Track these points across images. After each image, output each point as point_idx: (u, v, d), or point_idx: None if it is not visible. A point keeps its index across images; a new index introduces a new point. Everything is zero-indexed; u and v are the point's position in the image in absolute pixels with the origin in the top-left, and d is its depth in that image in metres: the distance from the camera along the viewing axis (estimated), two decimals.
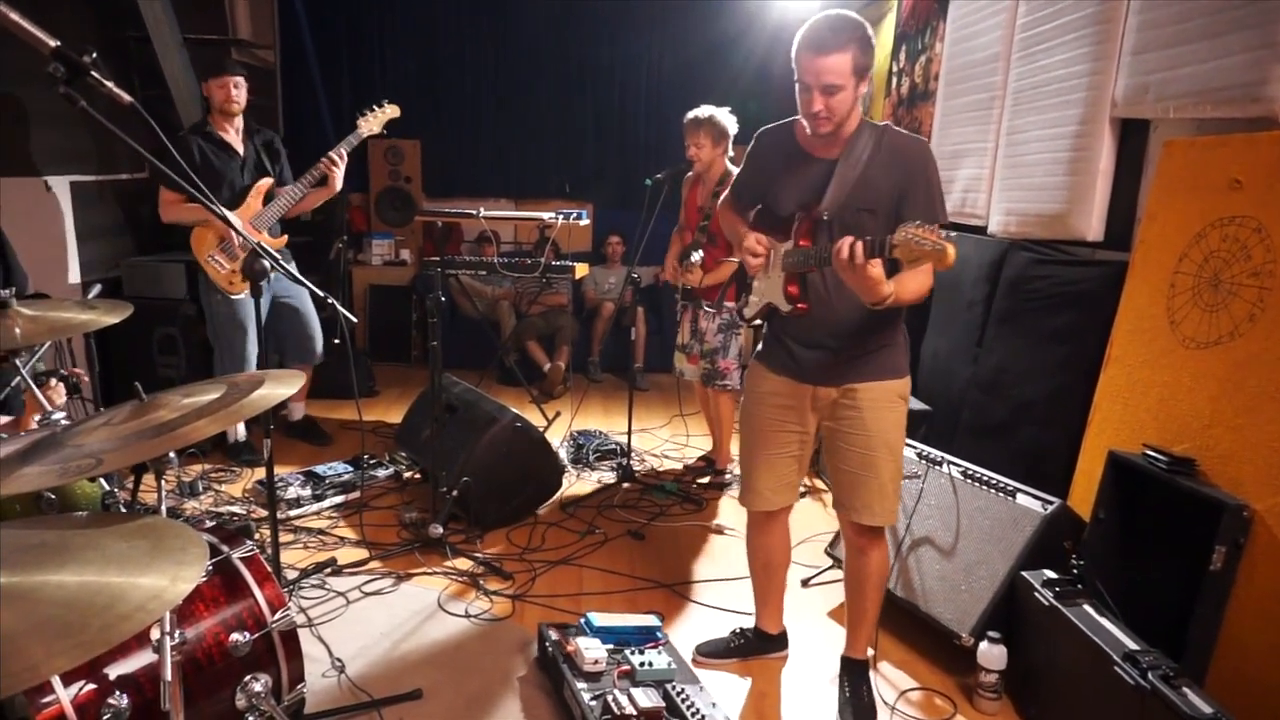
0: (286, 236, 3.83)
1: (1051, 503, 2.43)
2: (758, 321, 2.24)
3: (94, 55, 1.52)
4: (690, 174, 3.79)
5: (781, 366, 2.19)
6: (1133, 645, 1.95)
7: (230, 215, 3.47)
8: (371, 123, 3.71)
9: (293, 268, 2.28)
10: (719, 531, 3.47)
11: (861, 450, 2.12)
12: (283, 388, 1.60)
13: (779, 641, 2.56)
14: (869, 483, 2.13)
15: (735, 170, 3.63)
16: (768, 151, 2.21)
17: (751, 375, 2.29)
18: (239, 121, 3.71)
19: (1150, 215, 2.46)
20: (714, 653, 2.51)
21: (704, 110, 3.60)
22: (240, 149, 3.70)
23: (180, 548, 1.06)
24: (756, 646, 2.53)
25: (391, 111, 3.74)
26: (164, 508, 1.52)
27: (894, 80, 4.51)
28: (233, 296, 3.64)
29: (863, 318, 2.01)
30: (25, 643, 0.86)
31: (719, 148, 3.62)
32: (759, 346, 2.29)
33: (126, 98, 1.59)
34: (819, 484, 3.92)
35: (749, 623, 2.58)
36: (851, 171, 2.01)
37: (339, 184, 3.72)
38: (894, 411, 2.12)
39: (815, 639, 2.67)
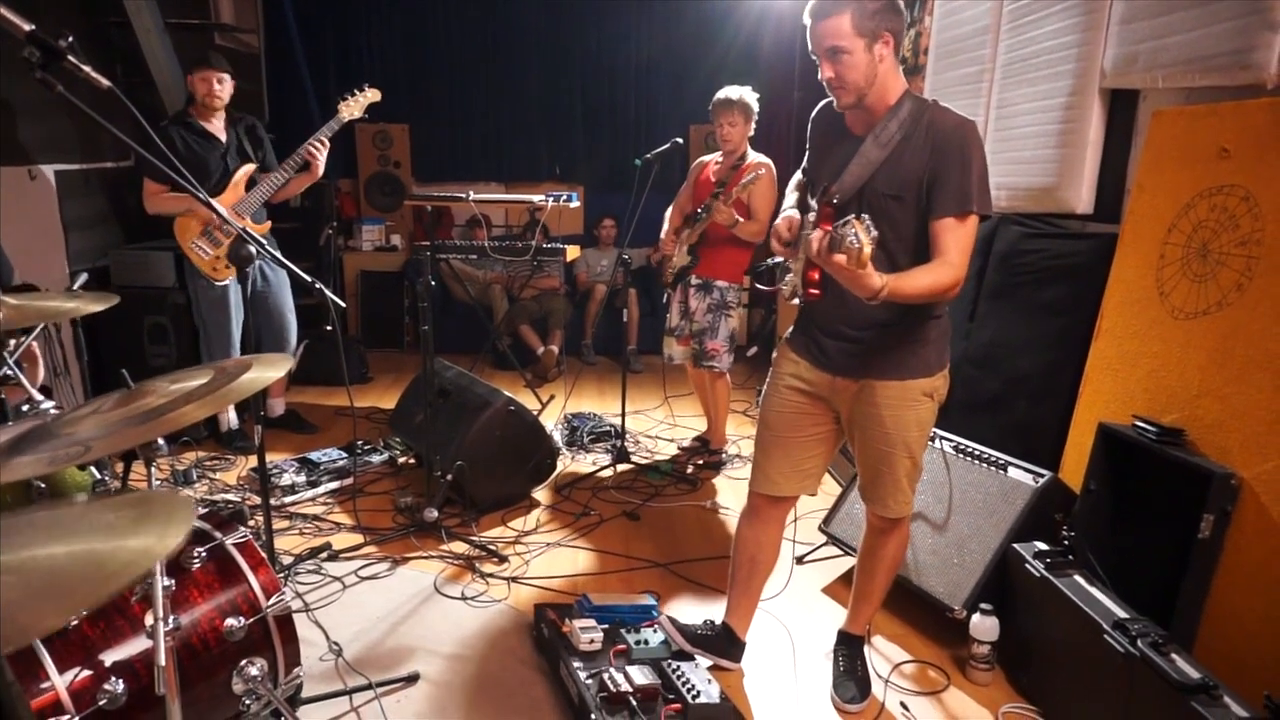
0: (270, 223, 3.81)
1: (1042, 475, 2.45)
2: (794, 301, 2.15)
3: (70, 39, 1.50)
4: (705, 158, 3.84)
5: (805, 351, 2.11)
6: (1122, 614, 1.97)
7: (214, 202, 3.45)
8: (353, 107, 3.67)
9: (277, 254, 2.27)
10: (714, 511, 3.48)
11: (879, 446, 2.05)
12: (270, 371, 1.59)
13: (740, 650, 2.37)
14: (885, 478, 2.07)
15: (752, 153, 3.66)
16: (816, 127, 2.12)
17: (777, 356, 2.21)
18: (220, 111, 3.68)
19: (1139, 186, 2.46)
20: (678, 627, 2.34)
21: (732, 91, 3.62)
22: (222, 136, 3.67)
23: (166, 510, 1.05)
24: (723, 647, 2.35)
25: (372, 96, 3.71)
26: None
27: None
28: (217, 283, 3.62)
29: (881, 310, 1.85)
30: (12, 612, 0.86)
31: (749, 124, 3.65)
32: (790, 329, 2.21)
33: (104, 82, 1.57)
34: None
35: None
36: (878, 152, 1.87)
37: (321, 169, 3.69)
38: (915, 410, 2.01)
39: (810, 614, 2.69)
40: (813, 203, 2.05)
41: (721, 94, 3.64)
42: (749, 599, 2.36)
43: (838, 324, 2.03)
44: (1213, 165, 2.19)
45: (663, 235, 3.86)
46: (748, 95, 3.62)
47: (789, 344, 2.18)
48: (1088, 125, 2.71)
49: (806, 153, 2.20)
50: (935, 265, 1.82)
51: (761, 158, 3.66)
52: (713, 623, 2.40)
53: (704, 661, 2.28)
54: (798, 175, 2.26)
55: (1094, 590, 2.10)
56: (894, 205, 1.88)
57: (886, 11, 1.82)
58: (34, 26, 1.47)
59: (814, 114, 2.14)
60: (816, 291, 1.95)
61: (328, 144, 3.66)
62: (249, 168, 3.67)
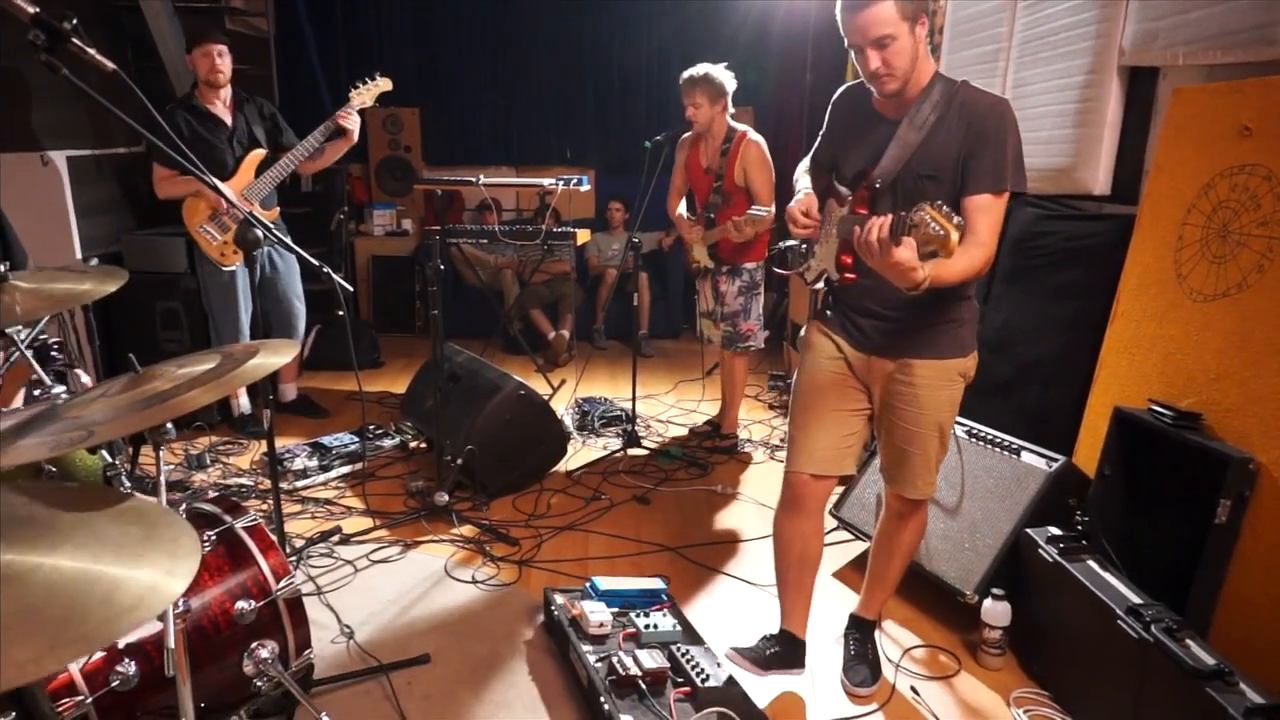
0: (279, 209, 3.80)
1: (1056, 460, 2.42)
2: (819, 285, 2.13)
3: (74, 22, 1.50)
4: (686, 135, 3.74)
5: (842, 330, 2.09)
6: (1136, 599, 1.95)
7: (222, 186, 3.44)
8: (364, 95, 3.66)
9: (286, 239, 2.27)
10: (724, 495, 3.47)
11: (910, 426, 2.03)
12: (277, 357, 1.59)
13: (803, 651, 2.26)
14: (914, 459, 2.05)
15: (740, 128, 3.62)
16: (841, 111, 2.09)
17: (808, 334, 2.17)
18: (226, 93, 3.65)
19: (1158, 166, 2.41)
20: (748, 656, 2.24)
21: (699, 69, 3.53)
22: (229, 120, 3.65)
23: (172, 538, 1.04)
24: (792, 656, 2.24)
25: (384, 85, 3.69)
26: (163, 479, 1.53)
27: None
28: (224, 268, 3.62)
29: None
30: (26, 631, 0.83)
31: (717, 105, 3.55)
32: (822, 309, 2.16)
33: (109, 65, 1.56)
34: None
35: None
36: (914, 134, 1.87)
37: (355, 135, 3.67)
38: (949, 390, 2.00)
39: (821, 598, 2.67)
40: (841, 188, 2.02)
41: (686, 73, 3.53)
42: (804, 598, 2.24)
43: (869, 303, 2.01)
44: (1234, 144, 2.14)
45: (684, 234, 3.82)
46: (715, 72, 3.49)
47: (824, 323, 2.15)
48: (1106, 104, 2.66)
49: (822, 136, 2.16)
50: (968, 246, 1.78)
51: (743, 127, 3.59)
52: (771, 636, 2.27)
53: (714, 645, 2.28)
54: (805, 161, 2.23)
55: (1108, 575, 2.08)
56: (930, 185, 1.86)
57: None
58: (39, 9, 1.46)
59: (836, 96, 2.11)
60: (853, 275, 1.94)
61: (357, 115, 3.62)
62: (259, 152, 3.66)
